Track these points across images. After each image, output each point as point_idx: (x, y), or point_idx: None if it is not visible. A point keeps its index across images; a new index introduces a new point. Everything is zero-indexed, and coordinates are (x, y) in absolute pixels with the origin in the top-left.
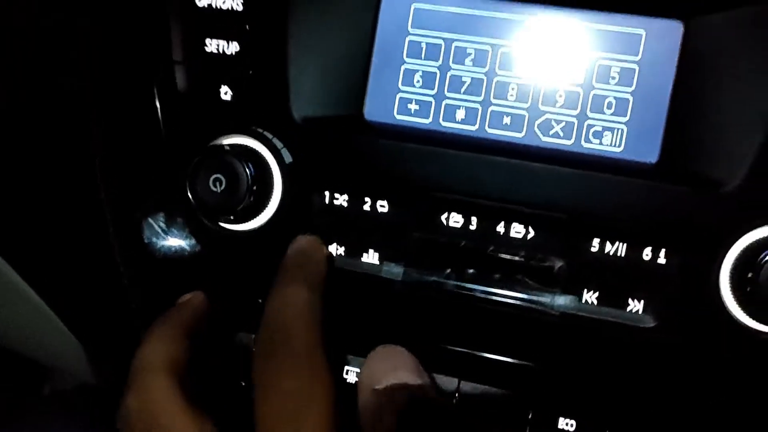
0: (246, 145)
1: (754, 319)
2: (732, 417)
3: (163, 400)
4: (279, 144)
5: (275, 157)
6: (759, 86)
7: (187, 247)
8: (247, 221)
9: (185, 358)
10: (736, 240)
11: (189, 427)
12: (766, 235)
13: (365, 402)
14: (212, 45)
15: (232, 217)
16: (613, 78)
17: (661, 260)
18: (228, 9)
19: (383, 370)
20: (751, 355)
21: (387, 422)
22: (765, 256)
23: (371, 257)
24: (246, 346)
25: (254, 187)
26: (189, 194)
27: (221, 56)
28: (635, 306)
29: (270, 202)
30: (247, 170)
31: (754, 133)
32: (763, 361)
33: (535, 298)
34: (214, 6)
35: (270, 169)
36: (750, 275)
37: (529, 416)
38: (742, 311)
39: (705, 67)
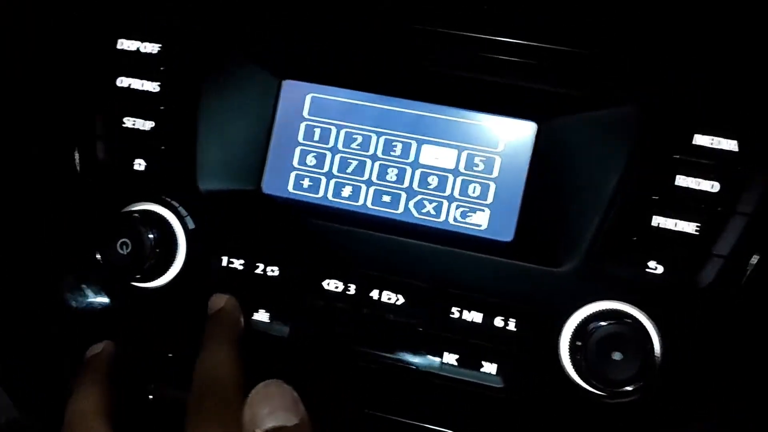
0: (154, 212)
1: (585, 382)
2: None
3: None
4: (184, 212)
5: (180, 223)
6: (595, 179)
7: (100, 304)
8: (154, 280)
9: (112, 401)
10: (573, 313)
11: None
12: (594, 311)
13: None
14: (129, 122)
15: (138, 276)
16: (478, 166)
17: (511, 328)
18: (145, 91)
19: (262, 414)
20: (586, 414)
21: None
22: (592, 328)
23: (262, 316)
24: (155, 396)
25: (157, 250)
26: (99, 256)
27: (137, 132)
28: (489, 368)
29: (174, 263)
30: (151, 235)
31: (590, 220)
32: (596, 420)
33: (402, 357)
34: (132, 87)
35: (175, 233)
36: (579, 344)
37: None
38: (577, 375)
39: (553, 161)
